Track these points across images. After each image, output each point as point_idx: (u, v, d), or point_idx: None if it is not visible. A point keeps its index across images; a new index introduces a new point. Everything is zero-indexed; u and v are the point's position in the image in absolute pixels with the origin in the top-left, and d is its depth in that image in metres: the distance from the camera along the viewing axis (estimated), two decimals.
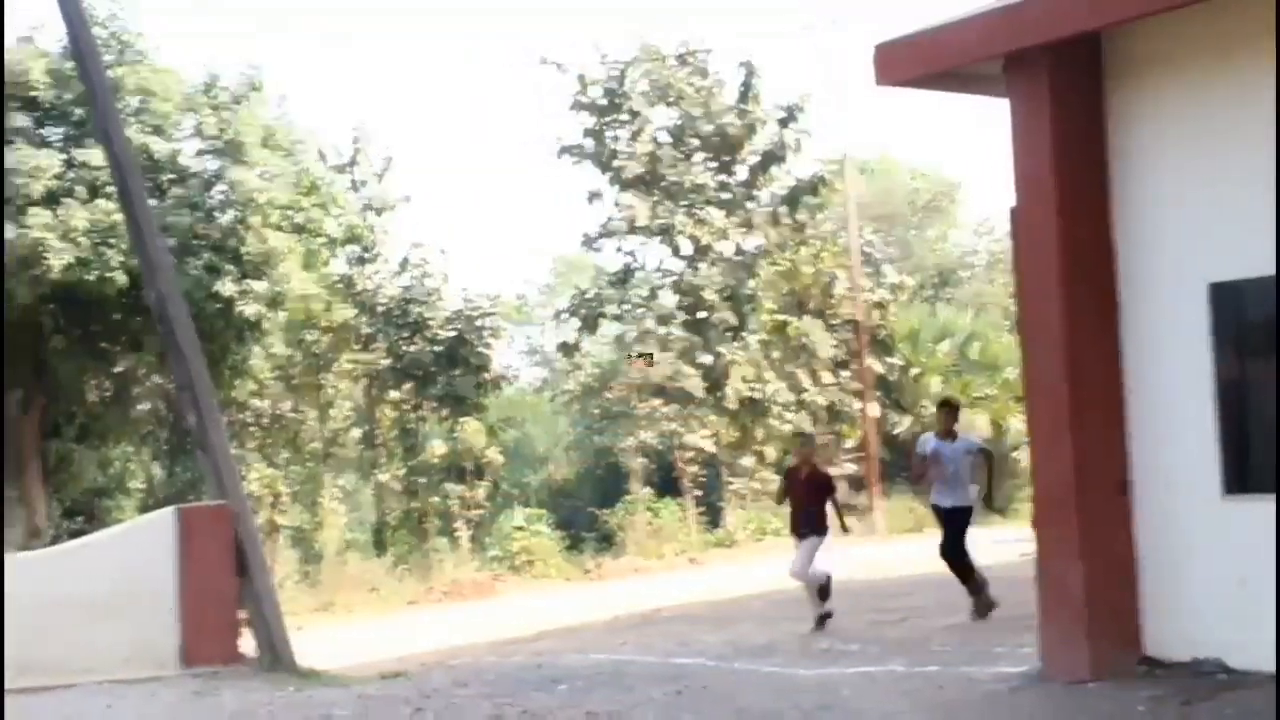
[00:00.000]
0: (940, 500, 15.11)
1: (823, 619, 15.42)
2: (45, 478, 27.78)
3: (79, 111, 24.76)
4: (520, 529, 31.80)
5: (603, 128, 35.68)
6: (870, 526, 34.71)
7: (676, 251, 36.12)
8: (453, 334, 32.75)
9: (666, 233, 35.55)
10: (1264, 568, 9.38)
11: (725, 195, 36.00)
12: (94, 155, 23.47)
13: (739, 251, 36.25)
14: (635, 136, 35.39)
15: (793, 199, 36.52)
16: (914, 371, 39.07)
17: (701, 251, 35.70)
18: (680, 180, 35.39)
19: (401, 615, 24.47)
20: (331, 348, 32.12)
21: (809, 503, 15.74)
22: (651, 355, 34.97)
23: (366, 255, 32.67)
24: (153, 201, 21.53)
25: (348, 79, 75.23)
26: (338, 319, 31.48)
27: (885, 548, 28.34)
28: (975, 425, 35.35)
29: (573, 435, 45.46)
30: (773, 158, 36.44)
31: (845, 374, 37.45)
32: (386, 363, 32.65)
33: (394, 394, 33.17)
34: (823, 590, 15.53)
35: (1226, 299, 9.77)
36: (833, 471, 36.09)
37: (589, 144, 35.76)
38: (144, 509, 27.91)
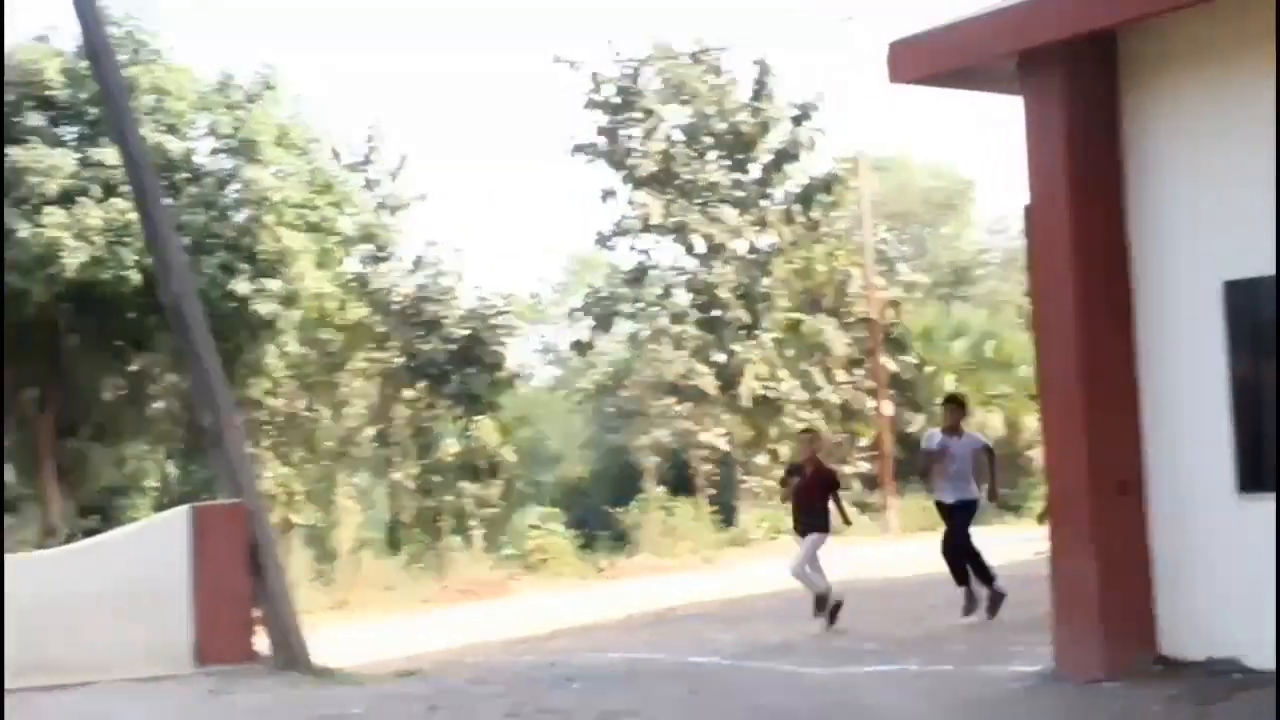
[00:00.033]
0: (944, 496, 15.03)
1: (834, 609, 15.37)
2: (60, 476, 27.86)
3: (94, 110, 24.81)
4: (534, 528, 31.82)
5: (616, 126, 35.68)
6: (884, 525, 34.69)
7: (690, 250, 36.12)
8: (467, 332, 32.75)
9: (680, 231, 35.56)
10: None
11: (739, 193, 35.99)
12: (109, 154, 23.52)
13: (753, 250, 36.25)
14: (649, 135, 35.39)
15: (807, 197, 36.50)
16: (928, 370, 39.03)
17: (715, 250, 35.69)
18: (694, 178, 35.39)
19: (416, 614, 24.47)
20: (346, 346, 32.12)
21: (814, 500, 15.68)
22: None
23: (381, 254, 32.66)
24: (167, 200, 21.56)
25: (361, 78, 75.30)
26: (352, 318, 31.48)
27: (899, 546, 28.29)
28: (989, 424, 35.34)
29: (587, 434, 45.46)
30: (787, 155, 36.41)
31: (859, 372, 37.41)
32: (401, 361, 32.66)
33: (408, 392, 33.17)
34: (819, 601, 15.42)
35: (1241, 297, 9.74)
36: (847, 470, 36.34)
37: (602, 142, 35.78)
38: (159, 507, 27.94)
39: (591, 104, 35.70)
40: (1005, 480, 36.69)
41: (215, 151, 27.27)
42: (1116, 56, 10.34)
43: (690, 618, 18.93)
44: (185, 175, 26.29)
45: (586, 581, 28.55)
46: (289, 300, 26.71)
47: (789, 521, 17.35)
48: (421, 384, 32.95)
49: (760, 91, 36.21)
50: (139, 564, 13.80)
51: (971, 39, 10.45)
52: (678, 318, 35.61)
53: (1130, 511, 10.16)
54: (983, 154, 75.28)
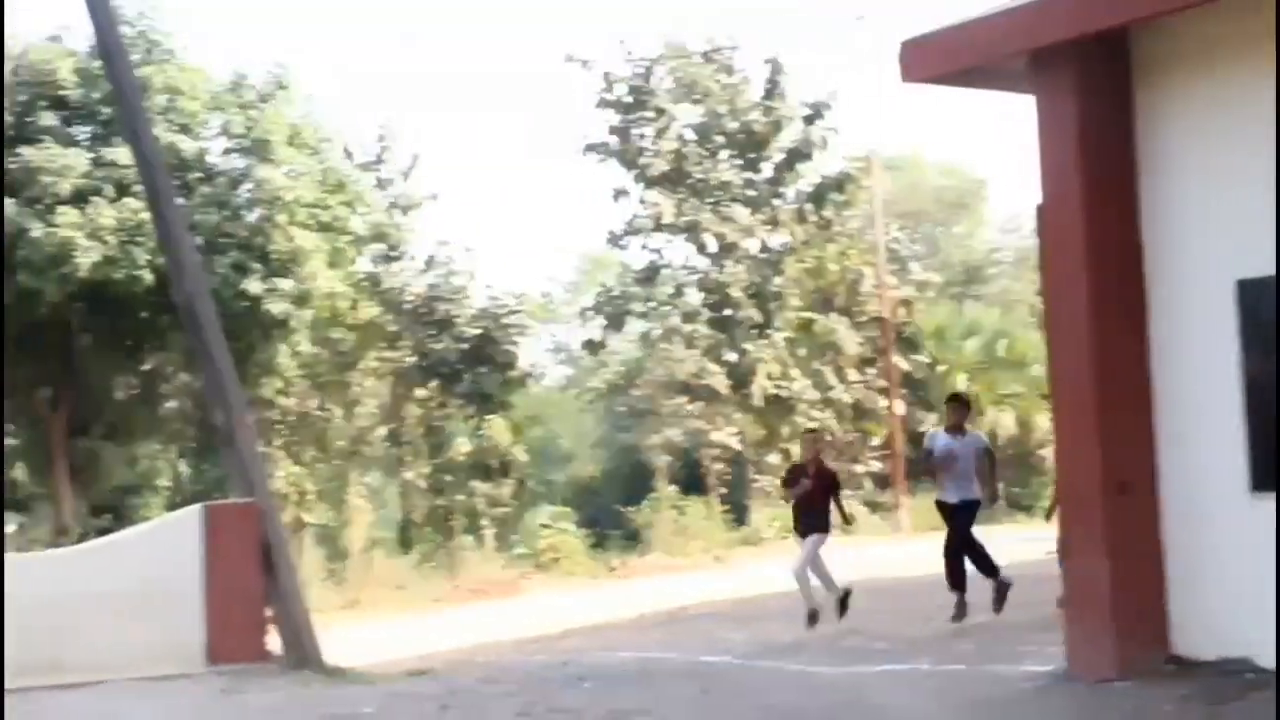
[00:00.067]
0: (947, 496, 14.98)
1: (844, 598, 15.36)
2: (73, 475, 27.93)
3: (107, 110, 24.86)
4: (546, 527, 31.85)
5: (628, 125, 35.69)
6: (896, 524, 34.67)
7: (702, 249, 36.12)
8: (479, 332, 32.77)
9: (692, 230, 35.56)
10: None
11: (751, 192, 35.99)
12: (122, 154, 23.56)
13: (765, 249, 36.25)
14: (661, 134, 35.41)
15: (819, 196, 36.49)
16: (941, 369, 39.00)
17: (727, 249, 35.69)
18: (706, 177, 35.39)
19: (427, 613, 24.49)
20: (358, 346, 32.17)
21: (815, 500, 15.62)
22: None
23: (393, 253, 32.71)
24: (180, 200, 21.60)
25: (373, 78, 75.38)
26: (364, 317, 31.53)
27: (911, 545, 28.24)
28: (1001, 423, 35.33)
29: (598, 433, 45.45)
30: (799, 154, 36.42)
31: (871, 371, 37.40)
32: (412, 360, 32.70)
33: (420, 392, 33.21)
34: (813, 615, 15.34)
35: (1254, 296, 9.71)
36: (858, 469, 36.34)
37: (614, 141, 35.79)
38: (171, 507, 28.02)
39: (603, 103, 35.72)
40: (1017, 479, 36.76)
41: (228, 151, 27.33)
42: (1128, 55, 10.32)
43: (702, 617, 18.92)
44: (198, 175, 26.34)
45: (598, 581, 28.56)
46: (301, 299, 26.74)
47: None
48: (433, 383, 32.99)
49: (772, 91, 36.20)
50: (151, 563, 13.82)
51: (983, 38, 10.43)
52: (689, 317, 35.61)
53: (1142, 511, 10.13)
54: (995, 153, 75.18)
